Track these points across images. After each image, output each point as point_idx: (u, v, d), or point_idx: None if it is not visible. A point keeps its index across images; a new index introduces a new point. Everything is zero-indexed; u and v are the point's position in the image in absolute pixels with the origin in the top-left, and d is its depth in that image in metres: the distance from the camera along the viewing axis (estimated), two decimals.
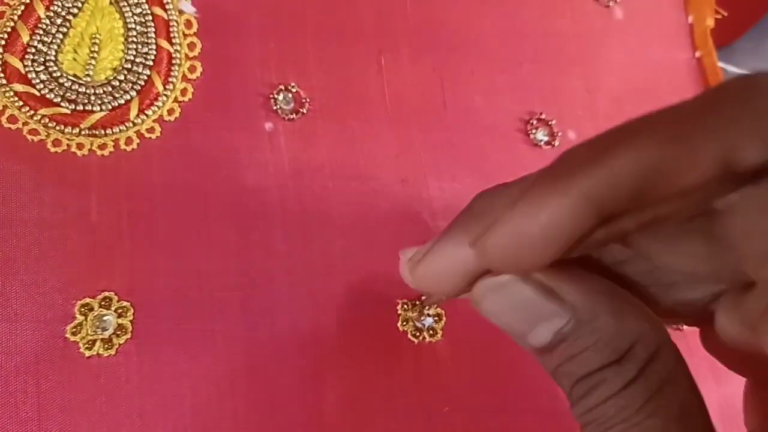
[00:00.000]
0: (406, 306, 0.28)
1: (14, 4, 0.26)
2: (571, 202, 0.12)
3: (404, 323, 0.28)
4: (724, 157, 0.11)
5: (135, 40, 0.27)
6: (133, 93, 0.27)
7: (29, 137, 0.26)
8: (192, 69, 0.28)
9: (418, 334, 0.28)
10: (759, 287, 0.13)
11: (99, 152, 0.26)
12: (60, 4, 0.27)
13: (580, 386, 0.13)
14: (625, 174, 0.11)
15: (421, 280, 0.16)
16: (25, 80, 0.26)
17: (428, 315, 0.28)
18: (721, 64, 0.41)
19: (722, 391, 0.33)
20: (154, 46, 0.28)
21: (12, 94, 0.26)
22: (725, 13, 0.41)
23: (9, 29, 0.26)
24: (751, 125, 0.11)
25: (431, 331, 0.28)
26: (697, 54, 0.40)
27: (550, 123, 0.34)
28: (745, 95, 0.11)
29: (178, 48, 0.28)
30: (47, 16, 0.27)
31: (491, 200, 0.15)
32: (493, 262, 0.13)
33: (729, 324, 0.14)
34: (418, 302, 0.28)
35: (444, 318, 0.29)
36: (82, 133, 0.26)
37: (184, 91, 0.28)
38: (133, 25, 0.28)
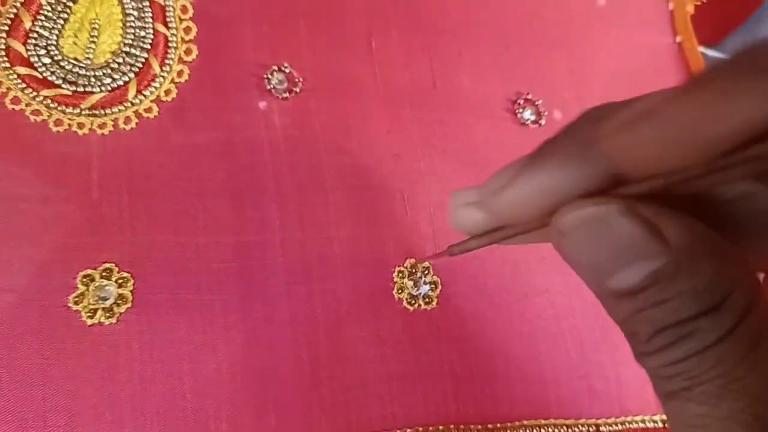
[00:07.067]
0: (402, 273, 0.29)
1: None
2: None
3: (400, 291, 0.29)
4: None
5: (133, 24, 0.29)
6: (131, 75, 0.28)
7: (32, 117, 0.27)
8: (188, 52, 0.29)
9: (413, 301, 0.29)
10: None
11: (99, 131, 0.27)
12: None
13: (665, 336, 0.12)
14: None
15: (504, 207, 0.14)
16: (28, 63, 0.27)
17: (425, 282, 0.29)
18: (701, 49, 0.42)
19: None
20: (151, 31, 0.29)
21: (15, 76, 0.27)
22: (704, 0, 0.42)
23: (12, 15, 0.27)
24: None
25: (427, 299, 0.29)
26: (678, 39, 0.41)
27: (536, 103, 0.35)
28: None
29: (174, 32, 0.29)
30: (48, 3, 0.28)
31: (603, 112, 0.13)
32: (636, 158, 0.12)
33: None
34: (416, 263, 0.29)
35: (440, 286, 0.29)
36: (83, 113, 0.27)
37: (180, 73, 0.29)
38: (131, 11, 0.29)
